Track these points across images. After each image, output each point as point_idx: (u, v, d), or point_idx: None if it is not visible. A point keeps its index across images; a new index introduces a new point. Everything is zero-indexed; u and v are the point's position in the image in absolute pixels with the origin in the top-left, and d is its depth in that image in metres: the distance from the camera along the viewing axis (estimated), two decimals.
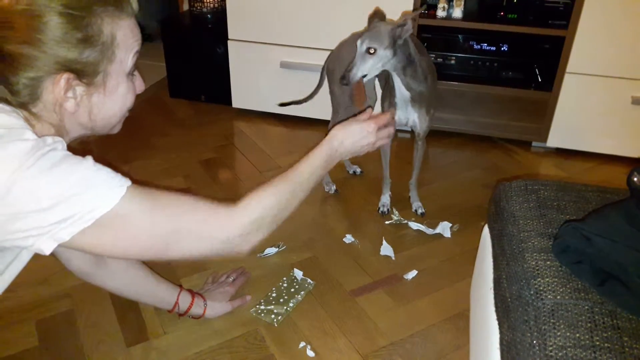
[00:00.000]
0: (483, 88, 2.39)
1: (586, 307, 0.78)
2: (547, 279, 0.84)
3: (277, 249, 1.76)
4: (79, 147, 2.48)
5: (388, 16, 2.22)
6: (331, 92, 1.97)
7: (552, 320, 0.77)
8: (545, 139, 2.40)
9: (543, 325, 0.76)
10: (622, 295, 0.78)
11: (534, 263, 0.88)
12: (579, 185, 1.09)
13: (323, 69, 2.00)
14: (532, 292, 0.83)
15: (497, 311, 0.93)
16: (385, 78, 1.78)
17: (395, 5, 2.27)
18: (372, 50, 1.53)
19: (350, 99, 1.83)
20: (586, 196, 1.05)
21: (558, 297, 0.80)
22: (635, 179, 0.85)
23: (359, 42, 1.55)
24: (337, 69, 1.90)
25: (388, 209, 1.98)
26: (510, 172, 2.28)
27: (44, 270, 1.66)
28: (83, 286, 1.59)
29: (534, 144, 2.49)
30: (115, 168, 2.11)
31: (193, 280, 1.63)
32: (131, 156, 2.33)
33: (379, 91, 2.05)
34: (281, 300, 1.54)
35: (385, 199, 1.99)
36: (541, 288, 0.83)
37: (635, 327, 0.75)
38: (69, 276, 1.61)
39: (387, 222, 1.94)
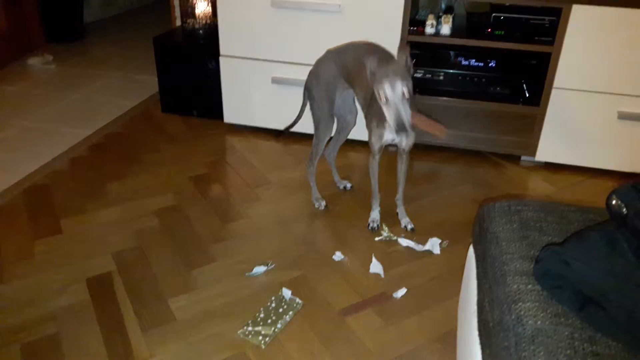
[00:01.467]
0: (472, 103, 2.41)
1: (566, 333, 0.78)
2: (528, 304, 0.84)
3: (266, 267, 1.76)
4: (70, 165, 2.50)
5: (375, 39, 2.25)
6: (310, 109, 1.99)
7: (532, 347, 0.77)
8: (534, 153, 2.41)
9: (523, 352, 0.76)
10: (602, 320, 0.79)
11: (515, 287, 0.88)
12: (562, 205, 1.10)
13: (305, 88, 2.02)
14: (513, 317, 0.83)
15: (480, 335, 0.93)
16: (370, 97, 1.79)
17: (383, 25, 2.29)
18: (405, 91, 1.54)
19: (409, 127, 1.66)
20: (569, 217, 1.05)
21: (539, 322, 0.81)
22: (613, 202, 0.86)
23: (387, 88, 1.53)
24: (314, 86, 1.94)
25: (378, 225, 1.98)
26: (500, 187, 2.29)
27: (30, 291, 1.65)
28: (69, 308, 1.59)
29: (523, 158, 2.50)
30: (105, 185, 2.10)
31: (180, 302, 1.62)
32: (122, 172, 2.33)
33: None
34: (269, 321, 1.54)
35: (375, 214, 1.99)
36: (522, 313, 0.83)
37: (614, 353, 0.76)
38: (55, 297, 1.62)
39: (376, 239, 1.94)
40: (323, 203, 2.11)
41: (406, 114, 1.55)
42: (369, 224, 1.99)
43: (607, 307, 0.79)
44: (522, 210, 1.08)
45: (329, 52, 1.98)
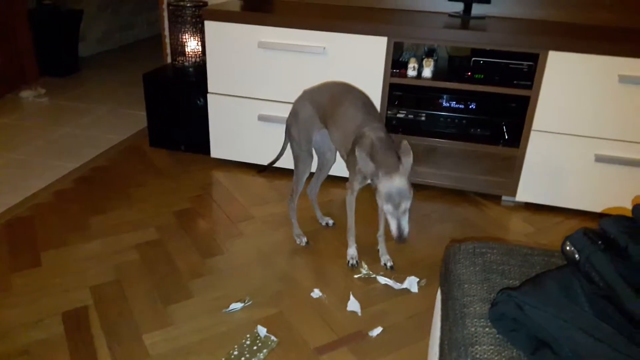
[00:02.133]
0: (453, 144, 2.46)
1: None
2: (485, 347, 0.86)
3: (243, 304, 1.77)
4: (54, 197, 2.51)
5: (358, 83, 2.31)
6: (290, 147, 2.05)
7: None
8: (514, 194, 2.45)
9: None
10: None
11: (473, 329, 0.90)
12: (525, 248, 1.12)
13: (285, 126, 2.05)
14: None
15: None
16: (351, 147, 1.82)
17: (366, 67, 2.36)
18: (408, 206, 1.63)
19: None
20: (531, 260, 1.08)
21: None
22: (567, 248, 0.89)
23: (388, 206, 1.61)
24: (292, 125, 2.00)
25: (357, 261, 2.00)
26: (480, 226, 2.32)
27: (4, 323, 1.65)
28: (42, 342, 1.58)
29: (503, 198, 2.54)
30: (88, 219, 2.11)
31: (155, 337, 1.62)
32: (106, 206, 2.35)
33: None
34: (243, 358, 1.54)
35: (352, 251, 2.01)
36: (477, 356, 0.84)
37: None
38: (29, 330, 1.61)
39: (355, 276, 1.95)
40: (304, 239, 2.13)
41: (407, 226, 1.64)
42: (348, 262, 2.00)
43: (558, 352, 0.80)
44: (486, 252, 1.10)
45: (305, 92, 2.03)
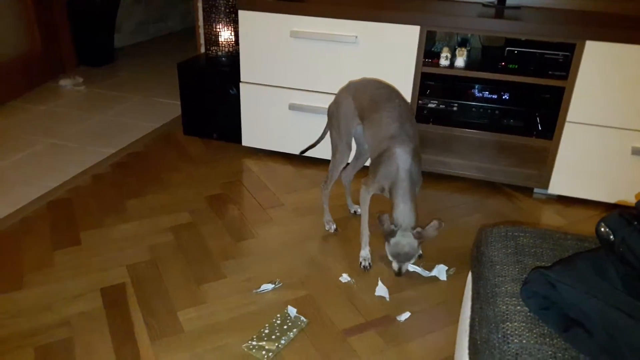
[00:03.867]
0: (485, 134, 2.45)
1: (549, 353, 0.81)
2: (516, 324, 0.87)
3: (274, 285, 1.80)
4: (92, 181, 2.59)
5: (390, 72, 2.31)
6: (330, 135, 2.05)
7: None
8: (546, 186, 2.43)
9: None
10: (585, 342, 0.81)
11: (504, 307, 0.91)
12: (558, 233, 1.12)
13: (327, 113, 2.08)
14: (499, 336, 0.86)
15: (469, 353, 0.96)
16: (378, 155, 1.82)
17: (398, 57, 2.37)
18: (410, 266, 1.85)
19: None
20: (564, 244, 1.08)
21: (524, 341, 0.83)
22: (602, 229, 0.89)
23: (393, 259, 1.79)
24: (333, 115, 2.00)
25: (370, 263, 1.95)
26: (511, 218, 2.31)
27: (47, 297, 1.72)
28: (83, 315, 1.65)
29: (535, 190, 2.52)
30: (124, 202, 2.18)
31: (189, 314, 1.67)
32: (141, 191, 2.41)
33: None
34: (273, 336, 1.57)
35: (365, 253, 1.96)
36: (509, 332, 0.85)
37: None
38: (70, 304, 1.68)
39: (383, 263, 1.97)
40: (333, 226, 2.16)
41: (405, 269, 1.82)
42: (360, 263, 1.94)
43: (590, 329, 0.81)
44: (519, 236, 1.11)
45: (350, 85, 2.00)
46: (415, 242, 1.72)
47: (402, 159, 1.73)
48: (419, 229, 1.71)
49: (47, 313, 1.66)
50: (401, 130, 1.77)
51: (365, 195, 1.89)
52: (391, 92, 1.90)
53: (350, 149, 2.02)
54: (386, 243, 1.77)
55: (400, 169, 1.72)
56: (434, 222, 1.72)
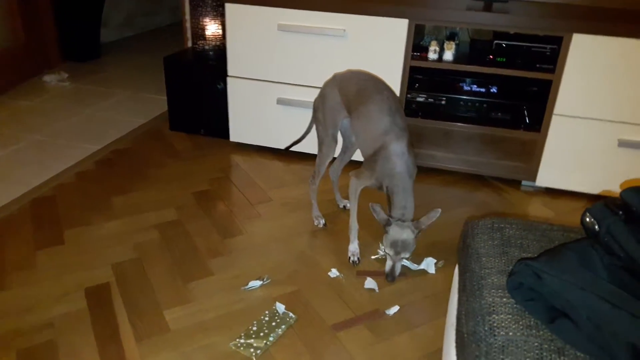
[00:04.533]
0: (473, 128, 2.44)
1: (535, 344, 0.80)
2: (502, 315, 0.86)
3: (262, 282, 1.79)
4: (77, 178, 2.55)
5: (378, 65, 2.30)
6: (316, 129, 2.03)
7: (501, 356, 0.79)
8: (534, 178, 2.43)
9: None
10: (571, 332, 0.80)
11: (490, 299, 0.90)
12: (544, 224, 1.12)
13: (313, 107, 2.06)
14: (486, 328, 0.85)
15: (456, 346, 0.95)
16: (373, 153, 1.80)
17: (387, 50, 2.35)
18: (406, 256, 1.75)
19: None
20: (550, 235, 1.07)
21: (510, 333, 0.82)
22: (587, 220, 0.88)
23: (390, 250, 1.73)
24: (319, 108, 1.99)
25: (359, 258, 1.93)
26: (499, 211, 2.30)
27: (30, 298, 1.69)
28: (66, 316, 1.62)
29: (523, 183, 2.52)
30: (109, 199, 2.14)
31: (175, 313, 1.65)
32: (127, 187, 2.38)
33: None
34: (261, 334, 1.56)
35: (354, 247, 1.94)
36: (495, 324, 0.85)
37: None
38: (53, 305, 1.65)
39: (372, 257, 1.96)
40: (322, 221, 2.14)
41: (399, 269, 1.78)
42: (349, 257, 1.92)
43: (576, 320, 0.80)
44: (505, 227, 1.10)
45: (336, 78, 1.99)
46: (412, 233, 1.71)
47: (399, 155, 1.72)
48: (416, 221, 1.72)
49: (30, 314, 1.63)
50: (393, 124, 1.75)
51: (356, 188, 1.88)
52: (378, 84, 1.88)
53: (336, 142, 2.01)
54: (384, 235, 1.74)
55: (399, 165, 1.72)
56: (432, 212, 1.72)
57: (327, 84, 2.00)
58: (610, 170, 2.31)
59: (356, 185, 1.87)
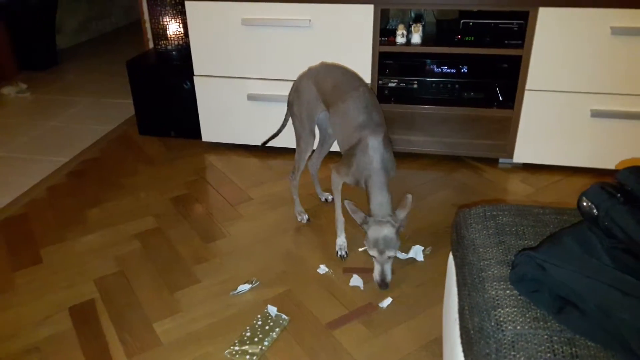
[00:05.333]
0: (447, 109, 2.44)
1: (545, 337, 0.79)
2: (507, 309, 0.85)
3: (251, 285, 1.75)
4: (48, 193, 2.47)
5: (347, 53, 2.27)
6: (292, 123, 2.00)
7: (512, 353, 0.77)
8: (511, 155, 2.44)
9: (504, 359, 0.77)
10: (579, 321, 0.80)
11: (494, 293, 0.89)
12: (536, 208, 1.11)
13: (287, 102, 2.02)
14: (493, 324, 0.84)
15: (462, 343, 0.94)
16: (350, 147, 1.75)
17: (354, 37, 2.32)
18: (392, 255, 1.65)
19: None
20: (544, 219, 1.07)
21: (518, 327, 0.81)
22: (584, 204, 0.87)
23: (374, 251, 1.64)
24: (294, 103, 1.95)
25: (346, 252, 1.92)
26: (480, 190, 2.31)
27: (12, 323, 1.63)
28: (52, 338, 1.56)
29: (501, 160, 2.53)
30: (84, 212, 2.07)
31: (165, 325, 1.61)
32: (101, 198, 2.31)
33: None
34: (256, 339, 1.53)
35: (341, 241, 1.93)
36: (501, 319, 0.83)
37: (593, 354, 0.77)
38: (37, 328, 1.59)
39: (360, 249, 1.94)
40: (305, 216, 2.11)
41: (389, 272, 1.67)
42: (337, 252, 1.91)
43: (583, 309, 0.80)
44: (498, 215, 1.09)
45: (310, 71, 1.94)
46: (392, 227, 1.63)
47: (375, 149, 1.67)
48: (393, 214, 1.66)
49: (13, 340, 1.56)
50: (370, 120, 1.71)
51: (337, 181, 1.84)
52: (353, 80, 1.83)
53: (314, 136, 1.97)
54: (365, 236, 1.67)
55: (375, 160, 1.67)
56: (405, 198, 1.66)
57: (302, 77, 1.96)
58: (585, 141, 2.34)
59: (336, 179, 1.84)
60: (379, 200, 1.66)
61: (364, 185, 1.71)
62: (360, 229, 1.71)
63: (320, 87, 1.88)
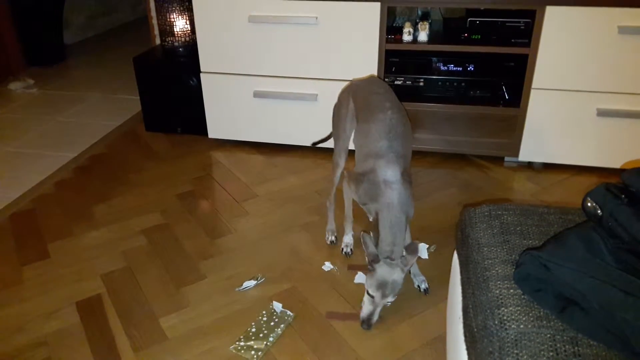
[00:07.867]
0: (453, 108, 2.44)
1: (548, 335, 0.80)
2: (511, 308, 0.86)
3: (256, 281, 1.77)
4: (55, 188, 2.49)
5: (353, 51, 2.27)
6: (332, 127, 1.97)
7: (515, 351, 0.78)
8: (517, 154, 2.44)
9: (507, 357, 0.78)
10: (582, 320, 0.80)
11: (497, 292, 0.90)
12: (541, 208, 1.12)
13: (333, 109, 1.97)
14: (496, 322, 0.84)
15: (465, 341, 0.94)
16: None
17: (361, 35, 2.32)
18: (391, 300, 1.53)
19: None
20: (548, 219, 1.07)
21: (521, 326, 0.82)
22: (589, 204, 0.88)
23: (377, 294, 1.49)
24: (336, 114, 1.91)
25: (352, 249, 1.91)
26: (485, 189, 2.32)
27: (20, 317, 1.65)
28: (60, 332, 1.58)
29: (506, 159, 2.53)
30: (91, 207, 2.08)
31: (171, 320, 1.62)
32: (107, 194, 2.33)
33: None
34: (261, 335, 1.54)
35: (348, 239, 1.92)
36: (505, 317, 0.84)
37: (595, 352, 0.77)
38: (45, 322, 1.61)
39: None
40: (332, 238, 1.99)
41: (377, 316, 1.53)
42: (342, 249, 1.91)
43: (586, 308, 0.80)
44: (503, 214, 1.10)
45: (352, 85, 1.89)
46: (402, 272, 1.50)
47: (388, 183, 1.53)
48: (403, 258, 1.52)
49: (21, 334, 1.58)
50: (389, 149, 1.58)
51: (348, 191, 1.79)
52: (386, 100, 1.72)
53: (346, 154, 1.89)
54: (368, 272, 1.52)
55: (388, 195, 1.52)
56: (413, 244, 1.53)
57: (343, 92, 1.92)
58: (591, 140, 2.34)
59: (347, 191, 1.78)
60: (390, 240, 1.51)
61: (374, 216, 1.57)
62: (369, 226, 1.71)
63: (356, 102, 1.81)
